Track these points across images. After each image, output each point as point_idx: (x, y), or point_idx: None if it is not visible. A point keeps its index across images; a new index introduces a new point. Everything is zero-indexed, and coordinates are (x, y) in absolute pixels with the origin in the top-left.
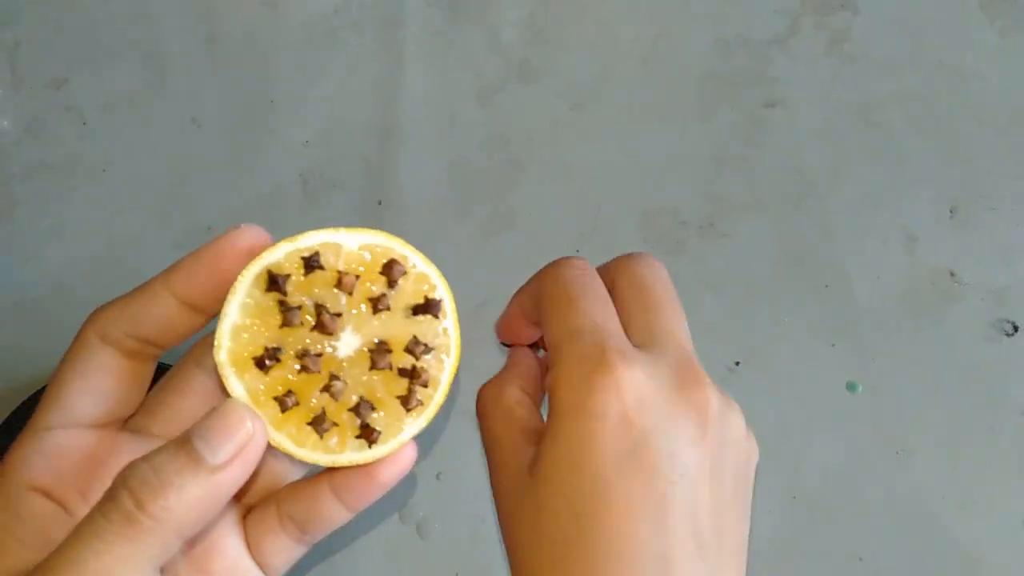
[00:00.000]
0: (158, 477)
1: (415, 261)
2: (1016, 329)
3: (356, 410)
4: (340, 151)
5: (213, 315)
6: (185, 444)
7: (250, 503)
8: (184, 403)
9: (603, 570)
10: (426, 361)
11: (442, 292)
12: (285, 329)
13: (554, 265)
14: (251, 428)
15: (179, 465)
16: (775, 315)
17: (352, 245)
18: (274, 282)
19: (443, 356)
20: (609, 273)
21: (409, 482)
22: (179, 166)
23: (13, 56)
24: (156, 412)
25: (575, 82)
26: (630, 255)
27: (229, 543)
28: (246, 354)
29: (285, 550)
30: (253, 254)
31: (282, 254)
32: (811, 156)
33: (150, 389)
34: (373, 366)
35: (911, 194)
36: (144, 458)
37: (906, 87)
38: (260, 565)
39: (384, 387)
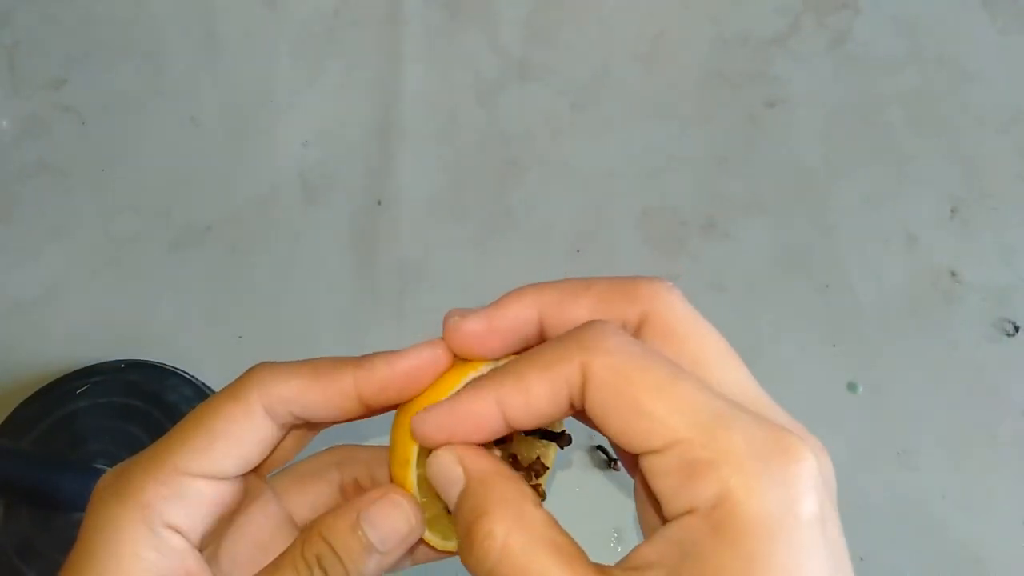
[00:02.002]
0: (343, 562)
1: (552, 450)
2: (1017, 329)
3: None
4: (339, 150)
5: (376, 414)
6: (355, 530)
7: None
8: (316, 488)
9: None
10: (542, 479)
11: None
12: None
13: (595, 332)
14: (415, 522)
15: (357, 552)
16: (776, 315)
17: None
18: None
19: (547, 476)
20: (614, 309)
21: None
22: (178, 166)
23: (12, 56)
24: (291, 485)
25: (575, 81)
26: (632, 280)
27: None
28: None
29: None
30: (438, 369)
31: (487, 368)
32: (812, 156)
33: None
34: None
35: (912, 194)
36: (326, 536)
37: (907, 86)
38: None
39: None
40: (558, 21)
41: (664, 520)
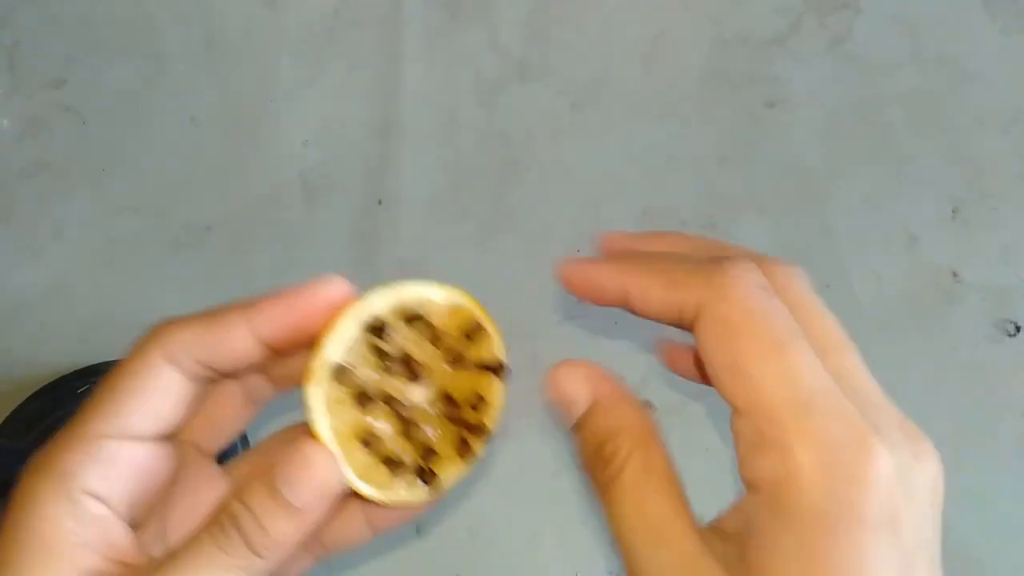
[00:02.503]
0: (259, 520)
1: (486, 326)
2: (1018, 329)
3: (424, 455)
4: (340, 150)
5: (284, 356)
6: (271, 486)
7: None
8: (216, 413)
9: None
10: (485, 416)
11: (500, 351)
12: (376, 374)
13: (727, 275)
14: (329, 473)
15: (272, 509)
16: None
17: (442, 303)
18: (376, 330)
19: (494, 413)
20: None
21: None
22: (178, 166)
23: (12, 56)
24: (191, 420)
25: (575, 81)
26: (764, 259)
27: None
28: (339, 394)
29: (300, 564)
30: (338, 306)
31: (384, 303)
32: (812, 155)
33: None
34: (447, 416)
35: (913, 194)
36: (242, 497)
37: (908, 86)
38: None
39: (447, 436)
40: (558, 21)
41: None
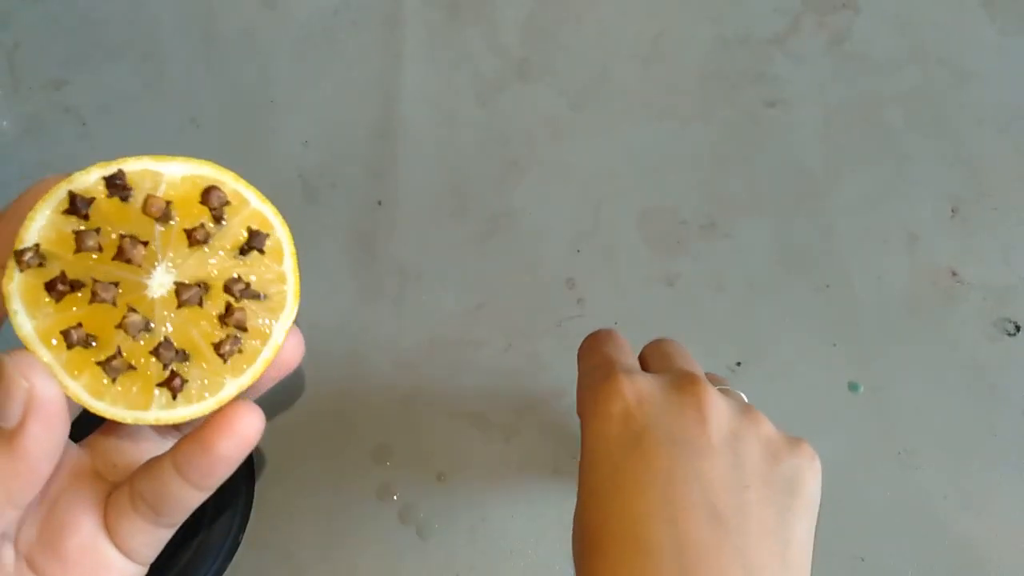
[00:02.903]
0: None
1: (249, 197)
2: (1018, 329)
3: (157, 352)
4: (339, 151)
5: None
6: None
7: (117, 481)
8: None
9: (620, 546)
10: (247, 305)
11: (279, 233)
12: (82, 258)
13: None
14: (34, 383)
15: None
16: (776, 315)
17: (176, 175)
18: (74, 205)
19: (277, 304)
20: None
21: (409, 482)
22: None
23: (12, 57)
24: None
25: (575, 82)
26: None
27: (84, 521)
28: (37, 286)
29: (141, 533)
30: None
31: (92, 178)
32: (812, 155)
33: None
34: (179, 304)
35: (912, 193)
36: None
37: (907, 86)
38: (119, 547)
39: (200, 333)
40: (558, 21)
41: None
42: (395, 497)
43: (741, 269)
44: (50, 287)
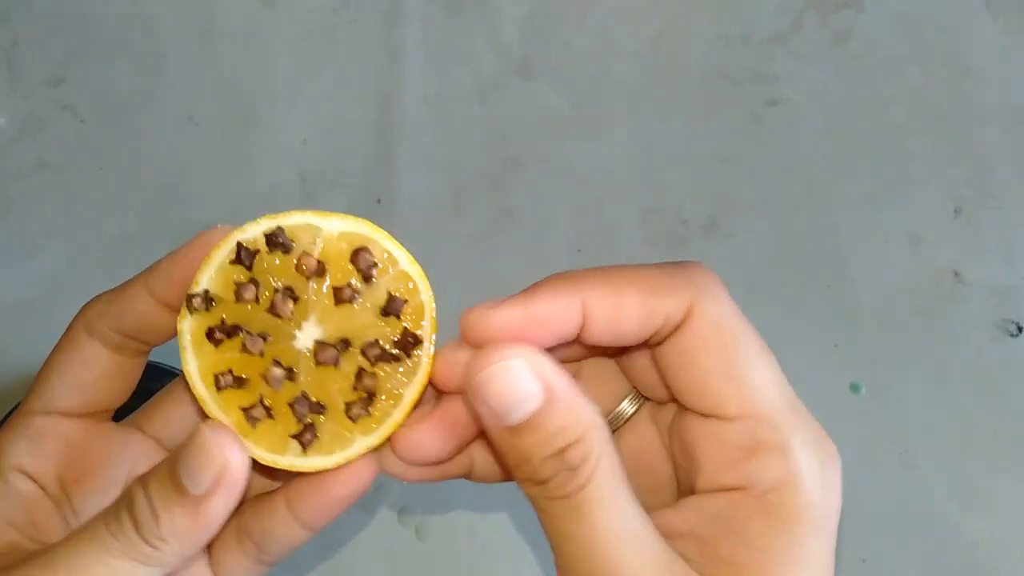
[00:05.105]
0: (152, 506)
1: (399, 258)
2: (1020, 329)
3: (293, 406)
4: (339, 149)
5: None
6: (172, 472)
7: None
8: (179, 410)
9: None
10: (382, 368)
11: (423, 296)
12: (242, 307)
13: (710, 276)
14: (228, 459)
15: (167, 495)
16: (777, 315)
17: (333, 231)
18: (240, 256)
19: (410, 369)
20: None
21: (408, 482)
22: (176, 164)
23: (9, 54)
24: (152, 416)
25: (575, 80)
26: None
27: (199, 554)
28: (204, 325)
29: (241, 569)
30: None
31: (260, 229)
32: (814, 155)
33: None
34: (317, 361)
35: (915, 193)
36: (143, 481)
37: (910, 85)
38: None
39: (336, 390)
40: (558, 20)
41: (687, 486)
42: (394, 497)
43: (742, 269)
44: (209, 334)
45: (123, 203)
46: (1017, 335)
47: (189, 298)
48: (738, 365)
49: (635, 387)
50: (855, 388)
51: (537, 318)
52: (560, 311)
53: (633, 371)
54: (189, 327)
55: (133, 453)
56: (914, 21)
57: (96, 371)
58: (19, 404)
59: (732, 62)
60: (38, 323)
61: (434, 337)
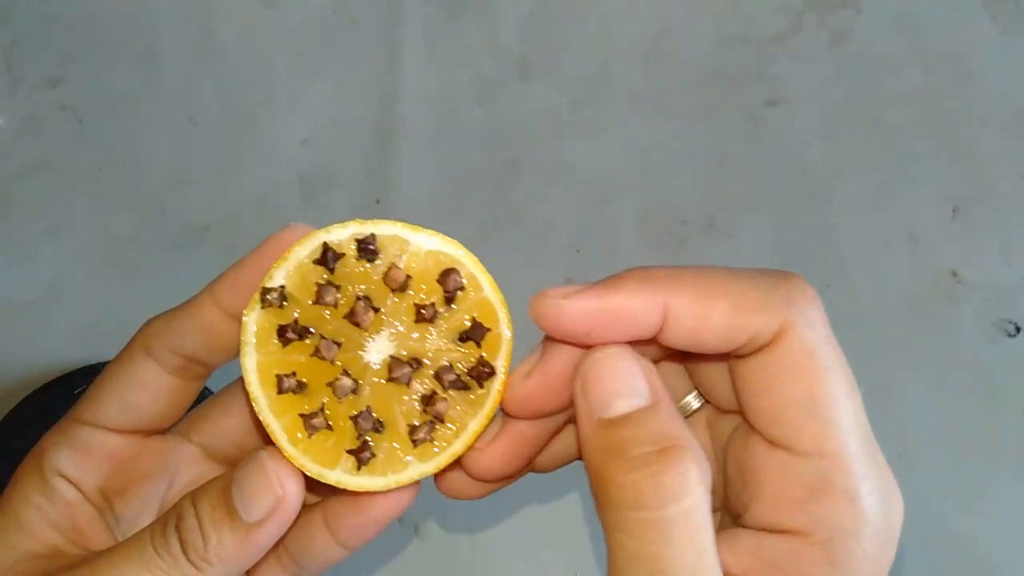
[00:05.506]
0: (202, 527)
1: (483, 284)
2: (1018, 330)
3: (356, 420)
4: (338, 150)
5: None
6: (226, 496)
7: None
8: (227, 422)
9: None
10: (452, 396)
11: (502, 327)
12: (317, 309)
13: (807, 296)
14: (286, 490)
15: (218, 519)
16: None
17: (422, 247)
18: (325, 257)
19: (479, 400)
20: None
21: None
22: (176, 165)
23: (9, 55)
24: (200, 424)
25: (575, 80)
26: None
27: None
28: (270, 324)
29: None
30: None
31: (348, 233)
32: (813, 155)
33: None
34: (389, 379)
35: (913, 194)
36: (195, 499)
37: (908, 86)
38: None
39: (401, 411)
40: (558, 20)
41: (736, 506)
42: None
43: None
44: (280, 332)
45: (122, 204)
46: (1016, 335)
47: (265, 291)
48: (822, 400)
49: (697, 388)
50: None
51: (615, 313)
52: (641, 310)
53: (702, 374)
54: (256, 320)
55: (177, 461)
56: (913, 21)
57: (151, 393)
58: (71, 408)
59: (732, 62)
60: (38, 323)
61: (509, 370)
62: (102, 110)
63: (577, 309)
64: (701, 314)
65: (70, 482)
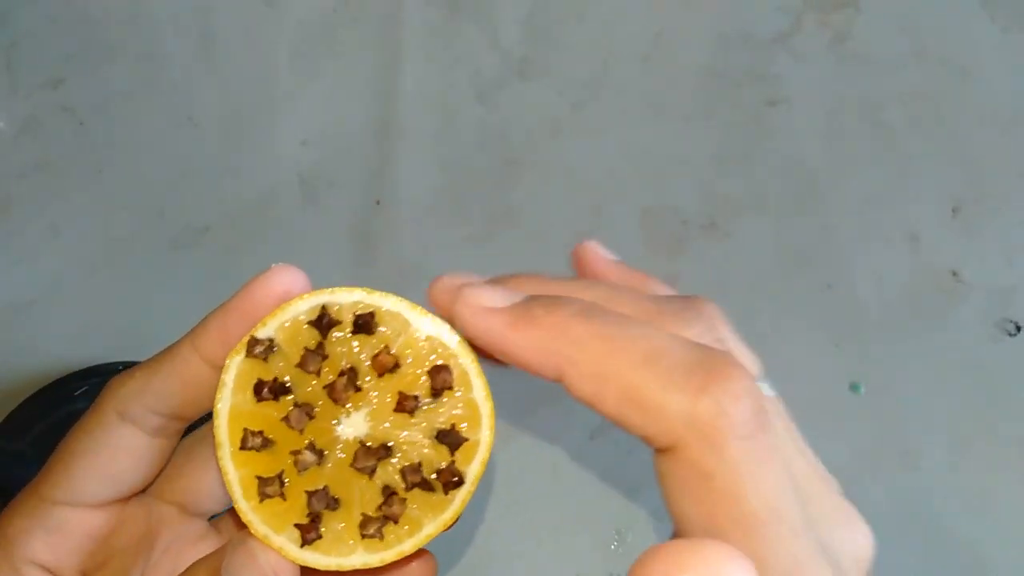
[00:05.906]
0: None
1: (475, 385)
2: (1019, 329)
3: (311, 497)
4: (338, 150)
5: None
6: None
7: None
8: (205, 478)
9: None
10: (414, 496)
11: (482, 434)
12: (300, 372)
13: (719, 405)
14: None
15: None
16: (777, 315)
17: (422, 332)
18: (320, 321)
19: (440, 505)
20: None
21: None
22: (176, 165)
23: (9, 55)
24: (175, 481)
25: (575, 80)
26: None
27: None
28: (255, 371)
29: None
30: (288, 299)
31: (350, 299)
32: (813, 155)
33: None
34: (353, 462)
35: (914, 193)
36: None
37: (909, 85)
38: None
39: (358, 496)
40: (558, 20)
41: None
42: None
43: (742, 269)
44: (257, 389)
45: (122, 204)
46: (1016, 334)
47: (253, 341)
48: (717, 530)
49: None
50: (855, 388)
51: (514, 357)
52: (537, 365)
53: None
54: (237, 367)
55: (157, 523)
56: (913, 21)
57: (131, 460)
58: (33, 484)
59: (731, 62)
60: (38, 324)
61: (478, 482)
62: (102, 111)
63: (483, 328)
64: (594, 392)
65: (46, 570)
